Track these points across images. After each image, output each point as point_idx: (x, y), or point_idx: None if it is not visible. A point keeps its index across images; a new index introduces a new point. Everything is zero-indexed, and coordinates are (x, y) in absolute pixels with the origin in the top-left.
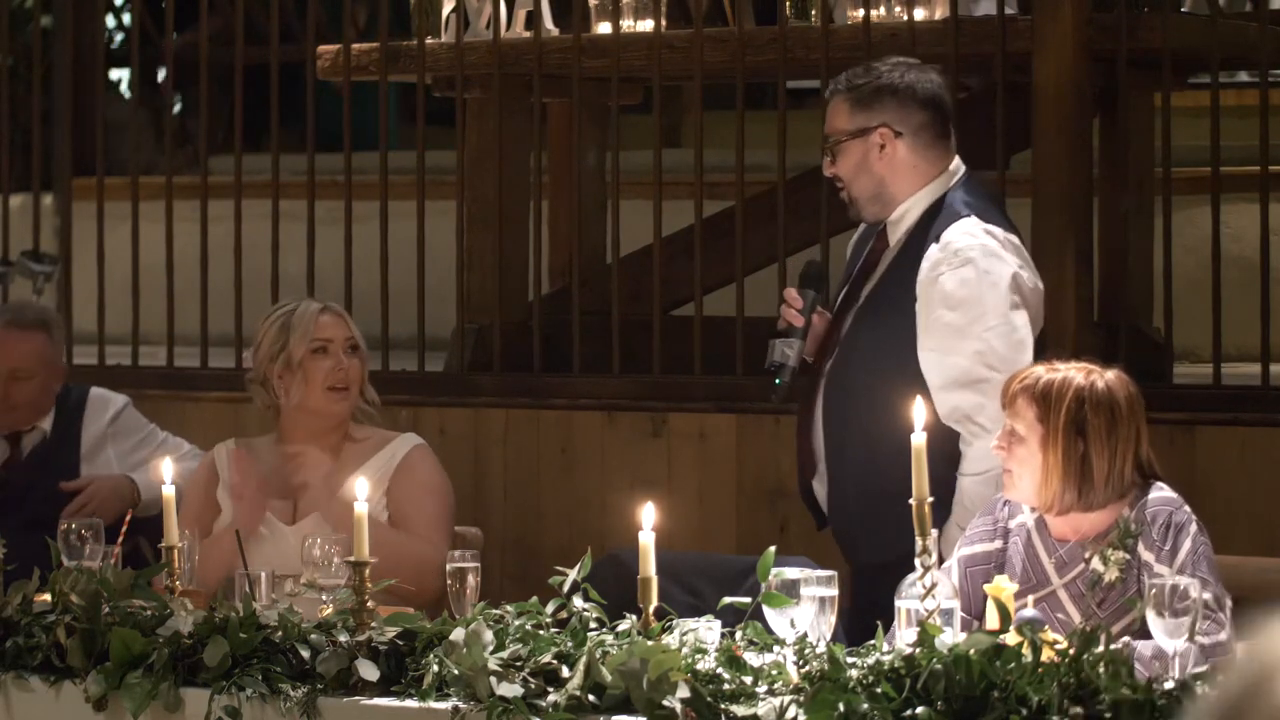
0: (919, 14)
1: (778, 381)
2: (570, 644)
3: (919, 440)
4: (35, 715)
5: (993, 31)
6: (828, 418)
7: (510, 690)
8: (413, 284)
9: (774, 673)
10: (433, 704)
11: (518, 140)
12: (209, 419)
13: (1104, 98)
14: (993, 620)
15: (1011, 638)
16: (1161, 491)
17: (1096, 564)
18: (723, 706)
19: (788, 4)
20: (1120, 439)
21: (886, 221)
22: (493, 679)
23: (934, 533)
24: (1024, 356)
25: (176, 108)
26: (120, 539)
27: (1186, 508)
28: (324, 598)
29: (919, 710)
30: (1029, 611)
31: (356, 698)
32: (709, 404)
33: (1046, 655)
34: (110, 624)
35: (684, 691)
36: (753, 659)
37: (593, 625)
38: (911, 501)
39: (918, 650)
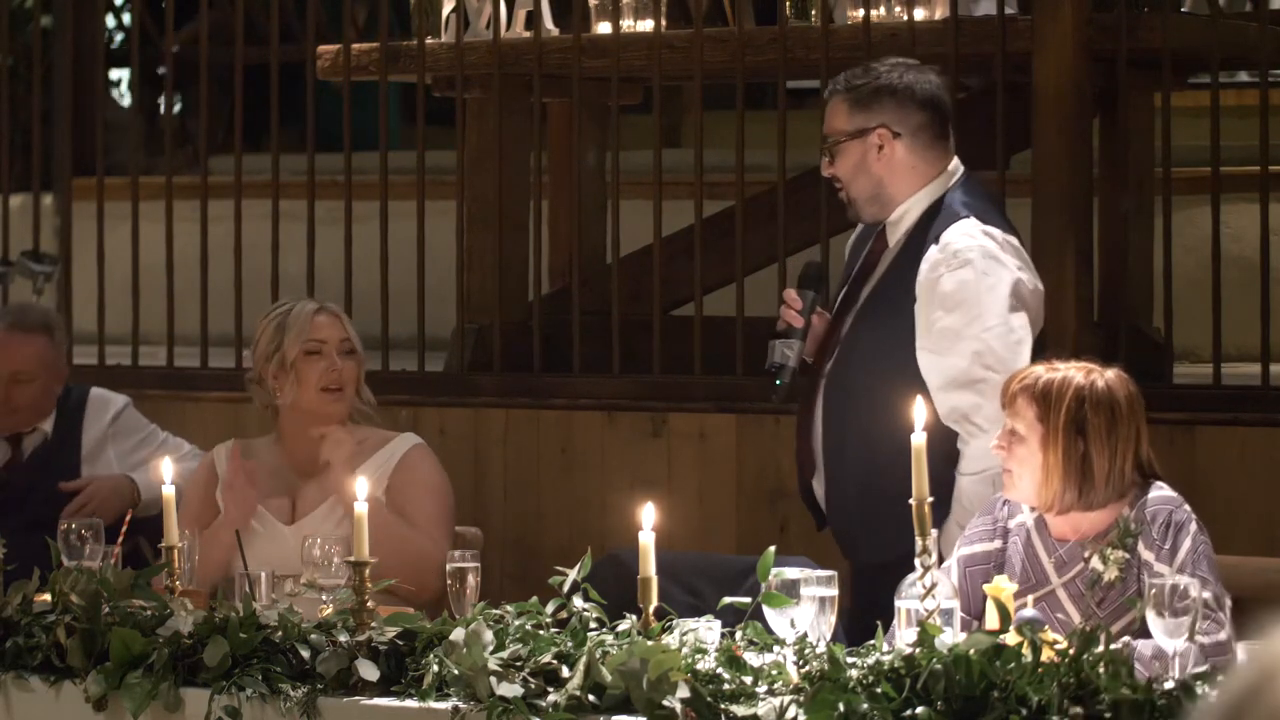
0: (919, 14)
1: (778, 382)
2: (570, 644)
3: (919, 440)
4: (35, 715)
5: (993, 31)
6: (827, 418)
7: (510, 690)
8: (413, 284)
9: (774, 673)
10: (433, 704)
11: (518, 140)
12: (209, 419)
13: (1104, 98)
14: (992, 620)
15: (1011, 638)
16: (1161, 491)
17: (1096, 563)
18: (723, 706)
19: (788, 4)
20: (1120, 438)
21: (885, 222)
22: (493, 679)
23: (934, 532)
24: (1022, 357)
25: (177, 107)
26: (120, 539)
27: (1186, 507)
28: (324, 598)
29: (919, 710)
30: (1029, 611)
31: (356, 698)
32: (709, 404)
33: (1046, 655)
34: (110, 624)
35: (684, 691)
36: (753, 659)
37: (593, 625)
38: (911, 501)
39: (918, 650)
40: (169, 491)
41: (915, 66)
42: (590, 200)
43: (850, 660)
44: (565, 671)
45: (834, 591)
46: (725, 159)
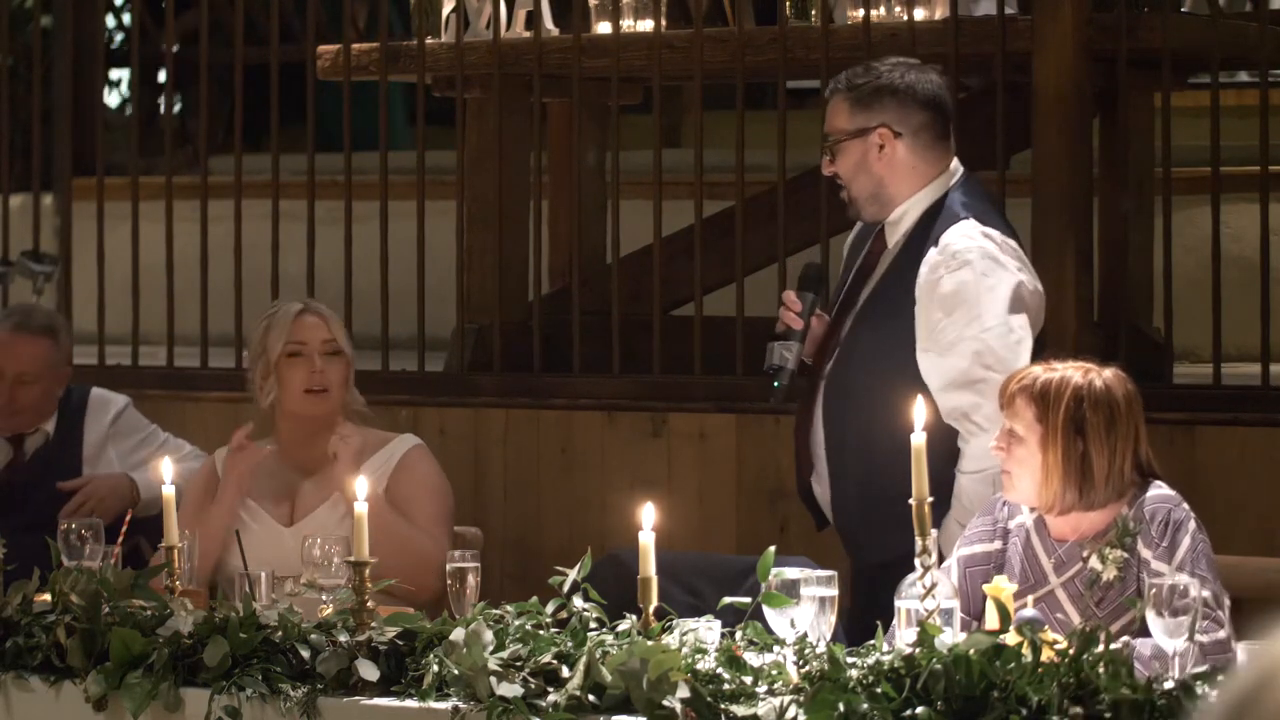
0: (919, 14)
1: (776, 384)
2: (570, 644)
3: (919, 440)
4: (35, 715)
5: (993, 31)
6: (827, 419)
7: (510, 690)
8: (413, 284)
9: (774, 673)
10: (433, 704)
11: (518, 140)
12: (209, 419)
13: (1104, 98)
14: (992, 620)
15: (1011, 638)
16: (1160, 490)
17: (1095, 563)
18: (723, 706)
19: (788, 4)
20: (1119, 437)
21: (885, 222)
22: (493, 679)
23: (934, 532)
24: (1022, 357)
25: (177, 108)
26: (120, 539)
27: (1185, 505)
28: (324, 598)
29: (919, 710)
30: (1029, 611)
31: (356, 698)
32: (709, 404)
33: (1046, 655)
34: (110, 624)
35: (684, 691)
36: (753, 659)
37: (593, 625)
38: (911, 501)
39: (918, 650)
40: (169, 491)
41: (916, 66)
42: (590, 200)
43: (850, 660)
44: (565, 671)
45: (834, 591)
46: (725, 159)
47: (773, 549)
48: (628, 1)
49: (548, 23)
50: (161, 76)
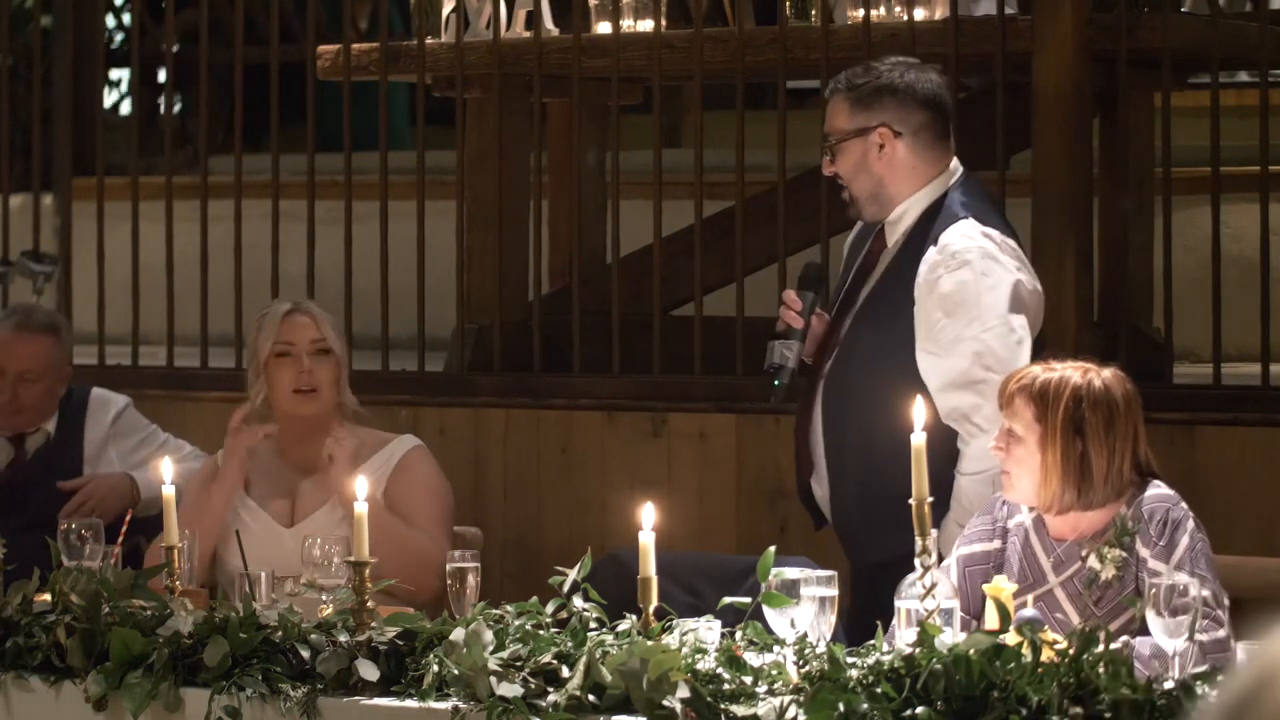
0: (919, 14)
1: (776, 383)
2: (570, 644)
3: (919, 440)
4: (35, 715)
5: (993, 31)
6: (827, 419)
7: (510, 690)
8: (413, 284)
9: (774, 673)
10: (433, 704)
11: (518, 140)
12: (209, 419)
13: (1104, 98)
14: (992, 620)
15: (1011, 638)
16: (1158, 489)
17: (1093, 562)
18: (723, 706)
19: (788, 4)
20: (1118, 437)
21: (885, 222)
22: (493, 679)
23: (933, 532)
24: (1022, 358)
25: (177, 108)
26: (120, 539)
27: (1183, 504)
28: (324, 598)
29: (919, 710)
30: (1029, 611)
31: (356, 698)
32: (709, 404)
33: (1046, 655)
34: (110, 624)
35: (684, 691)
36: (753, 659)
37: (593, 625)
38: (911, 501)
39: (918, 650)
40: (169, 491)
41: (916, 66)
42: (590, 200)
43: (850, 660)
44: (565, 671)
45: (834, 591)
46: (725, 159)
47: (773, 549)
48: (628, 1)
49: (548, 23)
50: (161, 76)
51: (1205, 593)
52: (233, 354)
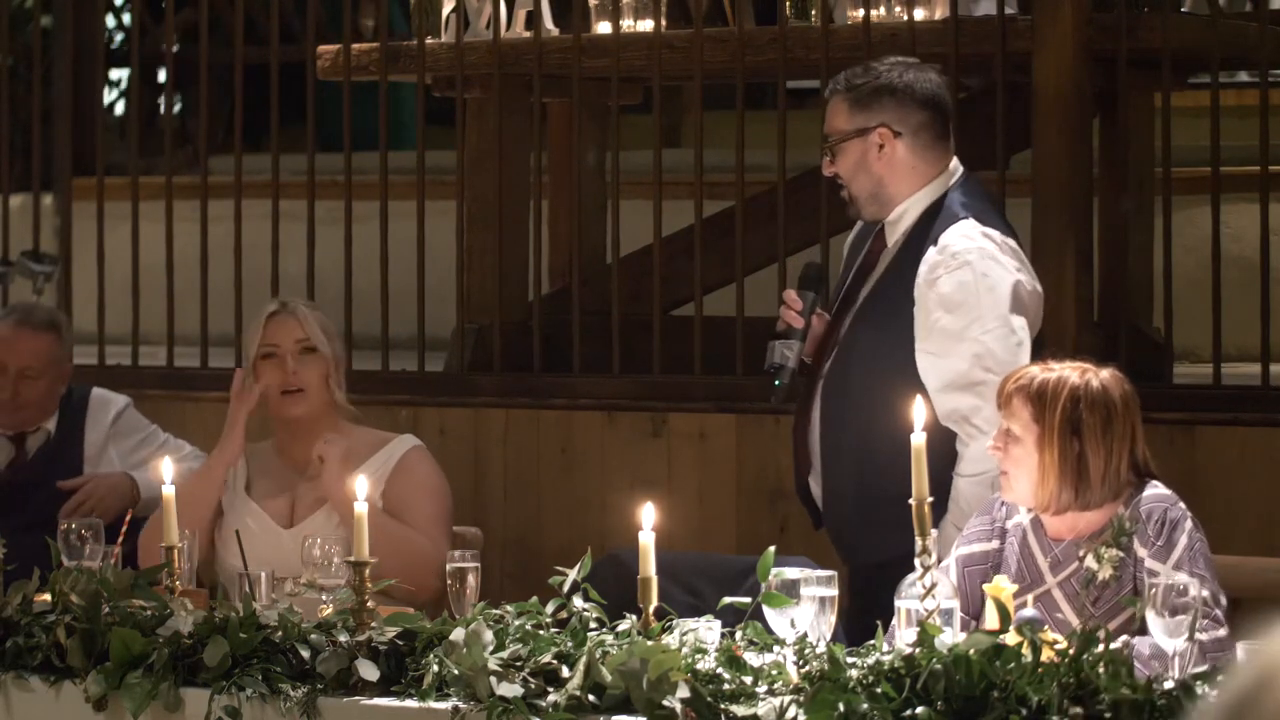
0: (919, 14)
1: (777, 383)
2: (570, 644)
3: (919, 440)
4: (35, 715)
5: (993, 31)
6: (825, 418)
7: (510, 690)
8: (413, 284)
9: (774, 673)
10: (433, 704)
11: (518, 140)
12: (209, 419)
13: (1104, 98)
14: (992, 620)
15: (1011, 638)
16: (1156, 489)
17: (1091, 562)
18: (723, 706)
19: (788, 4)
20: (1116, 437)
21: (885, 221)
22: (493, 679)
23: (933, 532)
24: (1022, 359)
25: (177, 108)
26: (120, 539)
27: (1181, 504)
28: (324, 598)
29: (919, 710)
30: (1029, 611)
31: (356, 698)
32: (709, 404)
33: (1046, 655)
34: (110, 624)
35: (684, 691)
36: (753, 659)
37: (593, 625)
38: (911, 501)
39: (918, 650)
40: (169, 491)
41: (916, 65)
42: (590, 200)
43: (850, 660)
44: (565, 671)
45: (834, 591)
46: (725, 159)
47: (773, 549)
48: (628, 1)
49: (548, 23)
50: (161, 76)
51: (1204, 593)
52: (233, 354)
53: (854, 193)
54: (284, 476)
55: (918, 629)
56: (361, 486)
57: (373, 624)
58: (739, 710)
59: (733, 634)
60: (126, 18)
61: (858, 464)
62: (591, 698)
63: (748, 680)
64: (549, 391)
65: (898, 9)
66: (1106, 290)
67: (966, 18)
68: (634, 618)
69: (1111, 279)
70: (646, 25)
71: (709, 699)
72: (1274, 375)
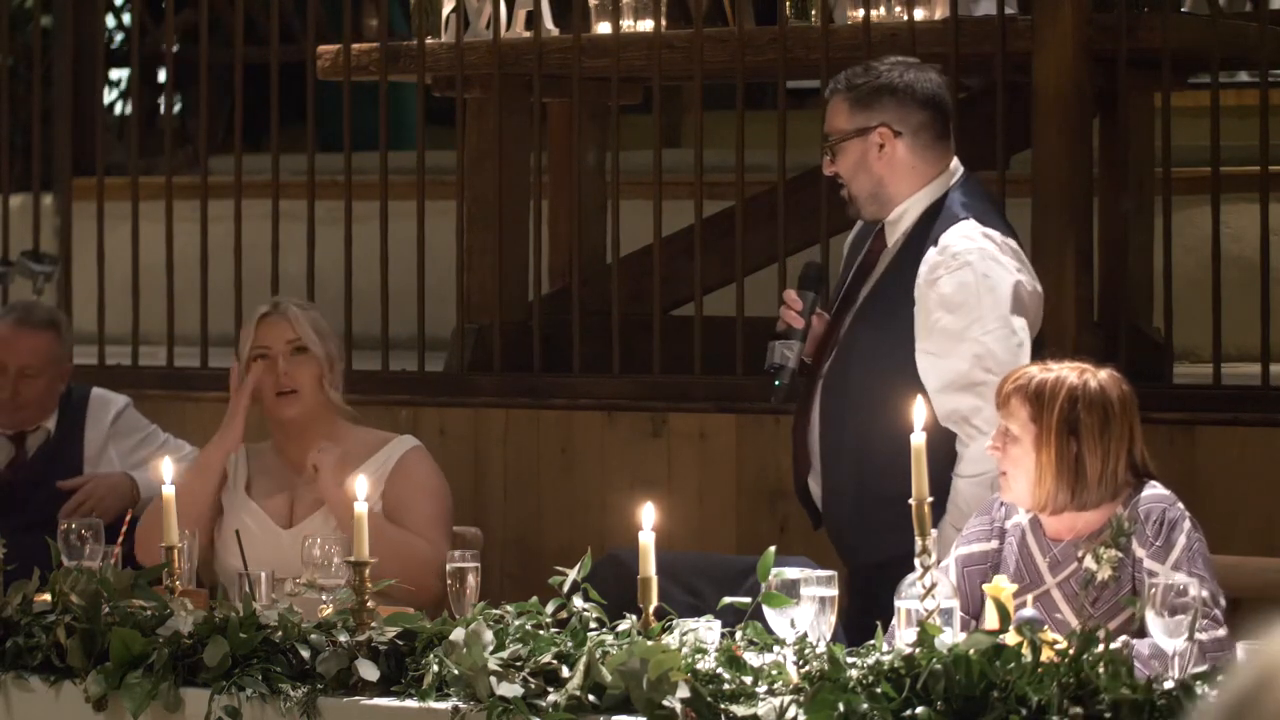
0: (919, 14)
1: (777, 383)
2: (570, 644)
3: (919, 440)
4: (35, 715)
5: (993, 31)
6: (824, 418)
7: (510, 690)
8: (413, 284)
9: (774, 673)
10: (433, 704)
11: (518, 140)
12: (209, 419)
13: (1104, 98)
14: (991, 620)
15: (1011, 638)
16: (1154, 489)
17: (1089, 563)
18: (723, 706)
19: (788, 4)
20: (1113, 438)
21: (885, 221)
22: (493, 679)
23: (933, 532)
24: (1022, 360)
25: (177, 108)
26: (120, 539)
27: (1180, 505)
28: (324, 598)
29: (919, 710)
30: (1029, 611)
31: (356, 698)
32: (709, 404)
33: (1046, 655)
34: (110, 624)
35: (684, 691)
36: (753, 659)
37: (593, 625)
38: (911, 501)
39: (918, 650)
40: (169, 491)
41: (916, 65)
42: (590, 200)
43: (850, 660)
44: (565, 671)
45: (834, 591)
46: (725, 159)
47: (773, 549)
48: (628, 1)
49: (548, 23)
50: (161, 76)
51: (1203, 593)
52: (232, 354)
53: (854, 192)
54: (283, 476)
55: (918, 629)
56: (361, 486)
57: (373, 624)
58: (739, 710)
59: (733, 634)
60: (126, 18)
61: (857, 464)
62: (591, 698)
63: (748, 680)
64: (549, 391)
65: (898, 9)
66: (1106, 290)
67: (966, 18)
68: (634, 618)
69: (1111, 279)
70: (646, 25)
71: (709, 699)
72: (1274, 375)
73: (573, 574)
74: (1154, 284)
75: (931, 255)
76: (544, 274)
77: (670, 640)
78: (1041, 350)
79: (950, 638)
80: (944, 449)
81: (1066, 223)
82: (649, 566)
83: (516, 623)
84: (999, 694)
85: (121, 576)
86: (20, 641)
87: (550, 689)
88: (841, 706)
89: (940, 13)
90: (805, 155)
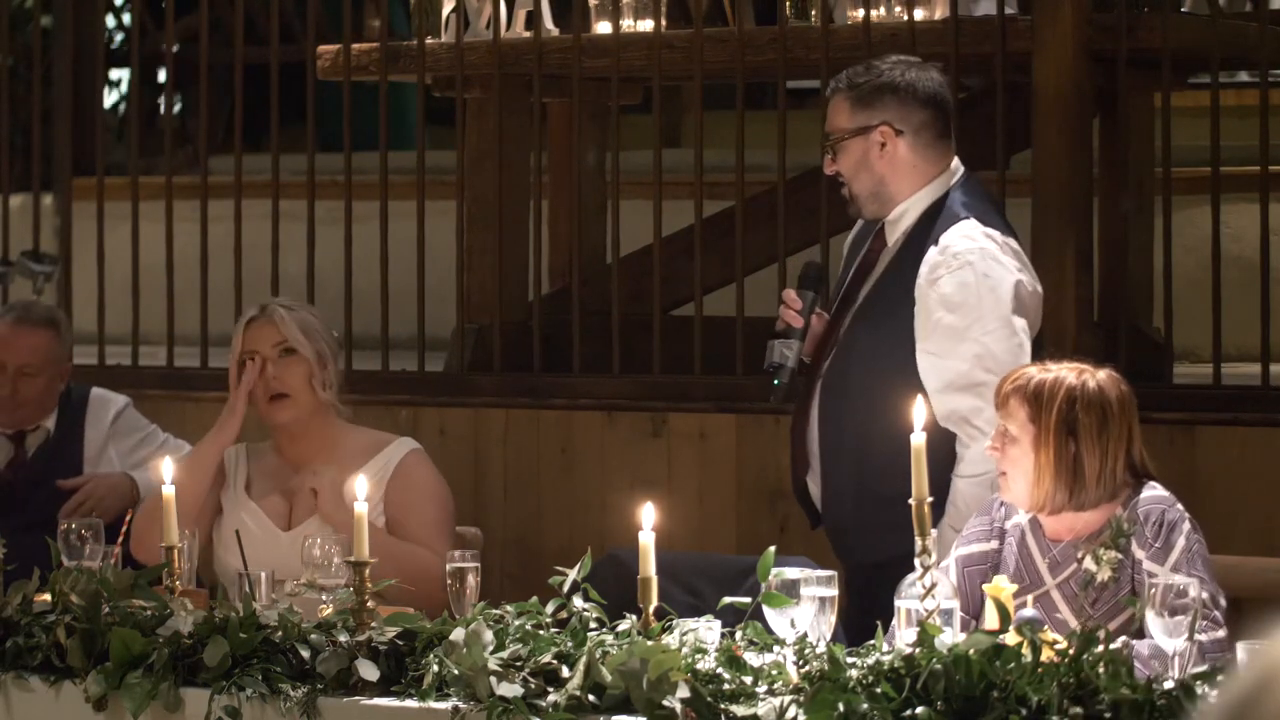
0: (919, 14)
1: (776, 382)
2: (570, 644)
3: (919, 440)
4: (35, 715)
5: (993, 31)
6: (823, 418)
7: (510, 690)
8: (413, 284)
9: (774, 673)
10: (433, 704)
11: (518, 140)
12: (209, 419)
13: (1104, 98)
14: (991, 620)
15: (1011, 638)
16: (1154, 490)
17: (1089, 564)
18: (723, 706)
19: (788, 4)
20: (1112, 438)
21: (885, 221)
22: (493, 679)
23: (933, 532)
24: (1022, 360)
25: (177, 108)
26: (120, 539)
27: (1179, 506)
28: (324, 598)
29: (919, 710)
30: (1029, 611)
31: (356, 698)
32: (709, 404)
33: (1046, 655)
34: (110, 624)
35: (684, 691)
36: (753, 659)
37: (593, 625)
38: (911, 501)
39: (918, 650)
40: (169, 491)
41: (917, 64)
42: (590, 200)
43: (850, 660)
44: (565, 671)
45: (834, 591)
46: (725, 159)
47: (773, 549)
48: (628, 1)
49: (548, 23)
50: (161, 76)
51: (1203, 594)
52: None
53: (855, 191)
54: (283, 476)
55: (918, 629)
56: (361, 486)
57: (373, 624)
58: (739, 710)
59: (733, 634)
60: (126, 18)
61: (857, 464)
62: (591, 698)
63: (748, 680)
64: (549, 391)
65: (898, 9)
66: (1106, 290)
67: (966, 18)
68: (634, 618)
69: (1111, 279)
70: (646, 25)
71: (709, 699)
72: (1274, 375)
73: (573, 574)
74: (1154, 284)
75: (932, 255)
76: (544, 274)
77: (670, 640)
78: (1041, 350)
79: (950, 638)
80: (944, 449)
81: (1066, 223)
82: (649, 566)
83: (516, 623)
84: (999, 694)
85: (121, 576)
86: (20, 641)
87: (550, 689)
88: (841, 706)
89: (940, 13)
90: (805, 155)
